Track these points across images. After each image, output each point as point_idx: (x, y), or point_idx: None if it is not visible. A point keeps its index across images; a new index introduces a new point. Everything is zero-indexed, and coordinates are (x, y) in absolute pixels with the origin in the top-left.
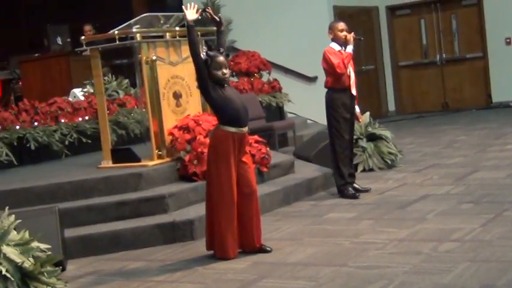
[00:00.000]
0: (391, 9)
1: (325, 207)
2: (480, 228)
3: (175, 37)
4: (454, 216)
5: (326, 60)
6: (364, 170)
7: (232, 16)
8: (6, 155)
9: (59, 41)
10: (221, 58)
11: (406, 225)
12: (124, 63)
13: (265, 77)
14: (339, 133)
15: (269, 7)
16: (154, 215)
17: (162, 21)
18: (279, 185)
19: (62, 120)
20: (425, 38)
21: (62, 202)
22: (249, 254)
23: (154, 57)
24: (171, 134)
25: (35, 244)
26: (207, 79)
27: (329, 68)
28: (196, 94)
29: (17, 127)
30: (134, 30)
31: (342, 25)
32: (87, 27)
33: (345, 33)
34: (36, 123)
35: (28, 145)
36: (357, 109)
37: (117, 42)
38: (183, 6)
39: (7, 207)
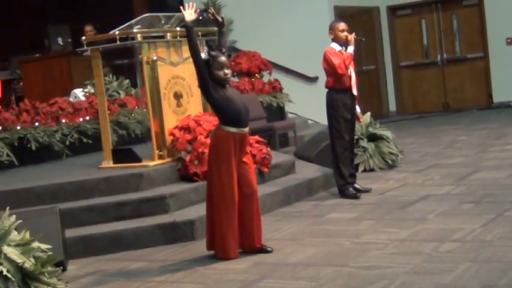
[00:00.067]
0: (392, 10)
1: (326, 208)
2: (481, 228)
3: (176, 37)
4: (455, 217)
5: (327, 61)
6: (365, 170)
7: (233, 16)
8: (7, 155)
9: (60, 41)
10: (223, 58)
11: (407, 226)
12: (125, 63)
13: (266, 77)
14: (340, 133)
15: (270, 7)
16: (155, 215)
17: (162, 22)
18: (279, 185)
19: (63, 121)
20: (426, 38)
21: (63, 202)
22: (249, 254)
23: (155, 58)
24: (171, 134)
25: (35, 244)
26: (208, 79)
27: (330, 69)
28: (197, 94)
29: (18, 127)
30: (135, 30)
31: (342, 25)
32: (88, 28)
33: (345, 33)
34: (37, 124)
35: (29, 145)
36: (358, 109)
37: (118, 42)
38: (181, 7)
39: (8, 208)
